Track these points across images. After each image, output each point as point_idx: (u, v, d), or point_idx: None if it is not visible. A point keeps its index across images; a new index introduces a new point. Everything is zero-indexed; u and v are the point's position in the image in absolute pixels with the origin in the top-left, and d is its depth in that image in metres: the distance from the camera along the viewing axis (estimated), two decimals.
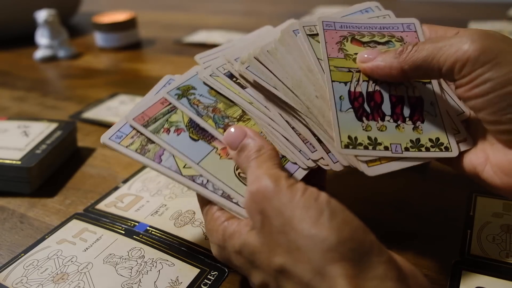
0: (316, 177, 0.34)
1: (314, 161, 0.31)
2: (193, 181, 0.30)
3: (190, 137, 0.32)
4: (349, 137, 0.30)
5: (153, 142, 0.31)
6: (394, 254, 0.24)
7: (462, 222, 0.37)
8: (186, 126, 0.32)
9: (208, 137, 0.32)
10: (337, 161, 0.31)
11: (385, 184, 0.43)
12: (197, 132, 0.32)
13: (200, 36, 0.96)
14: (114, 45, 0.92)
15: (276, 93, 0.32)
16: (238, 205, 0.29)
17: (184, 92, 0.34)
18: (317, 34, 0.34)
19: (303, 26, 0.34)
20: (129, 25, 0.93)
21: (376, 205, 0.40)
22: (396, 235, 0.36)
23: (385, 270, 0.22)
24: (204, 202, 0.30)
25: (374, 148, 0.30)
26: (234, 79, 0.34)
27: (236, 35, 0.93)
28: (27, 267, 0.34)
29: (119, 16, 0.93)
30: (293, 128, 0.32)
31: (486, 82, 0.27)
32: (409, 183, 0.43)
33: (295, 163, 0.31)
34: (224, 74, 0.35)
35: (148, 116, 0.33)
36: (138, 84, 0.74)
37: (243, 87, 0.34)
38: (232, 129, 0.30)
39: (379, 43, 0.34)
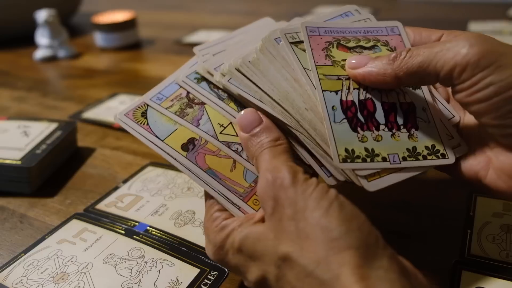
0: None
1: None
2: (229, 147, 0.31)
3: None
4: (346, 150, 0.29)
5: (192, 107, 0.32)
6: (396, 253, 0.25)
7: (462, 222, 0.37)
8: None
9: None
10: (331, 175, 0.30)
11: None
12: None
13: (200, 36, 0.96)
14: (114, 45, 0.92)
15: (263, 106, 0.30)
16: None
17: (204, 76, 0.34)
18: (300, 42, 0.32)
19: (285, 34, 0.32)
20: (129, 25, 0.93)
21: (376, 205, 0.40)
22: (396, 235, 0.36)
23: (389, 263, 0.23)
24: (209, 196, 0.30)
25: (372, 160, 0.29)
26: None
27: None
28: (27, 267, 0.34)
29: (119, 16, 0.93)
30: None
31: (488, 86, 0.26)
32: (409, 183, 0.42)
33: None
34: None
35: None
36: (138, 84, 0.74)
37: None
38: (248, 112, 0.30)
39: (365, 48, 0.33)
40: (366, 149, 0.29)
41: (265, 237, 0.25)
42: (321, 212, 0.24)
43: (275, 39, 0.32)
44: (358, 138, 0.29)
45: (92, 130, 0.57)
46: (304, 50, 0.32)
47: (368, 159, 0.29)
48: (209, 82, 0.33)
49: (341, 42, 0.33)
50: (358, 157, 0.29)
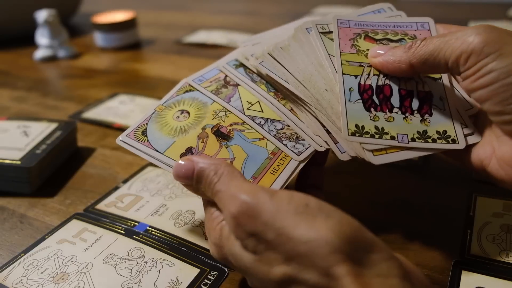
0: (313, 176, 0.34)
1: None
2: (253, 120, 0.34)
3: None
4: (356, 126, 0.31)
5: (226, 87, 0.36)
6: (394, 252, 0.24)
7: (462, 222, 0.37)
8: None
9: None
10: (345, 151, 0.31)
11: (385, 184, 0.43)
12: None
13: (200, 36, 0.96)
14: (114, 45, 0.92)
15: (287, 86, 0.33)
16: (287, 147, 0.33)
17: (241, 63, 0.38)
18: (329, 32, 0.35)
19: (316, 24, 0.35)
20: (129, 25, 0.93)
21: (376, 205, 0.40)
22: (396, 235, 0.36)
23: (389, 267, 0.22)
24: (206, 201, 0.30)
25: (380, 137, 0.30)
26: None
27: (236, 35, 0.93)
28: (27, 267, 0.34)
29: (119, 16, 0.93)
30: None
31: (490, 72, 0.27)
32: (409, 183, 0.43)
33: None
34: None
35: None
36: (138, 84, 0.73)
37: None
38: (182, 162, 0.29)
39: (392, 41, 0.34)
40: (376, 127, 0.31)
41: (253, 267, 0.25)
42: (306, 227, 0.23)
43: (306, 28, 0.36)
44: (370, 117, 0.31)
45: (92, 130, 0.57)
46: (332, 40, 0.35)
47: (377, 136, 0.30)
48: (245, 68, 0.37)
49: (369, 34, 0.35)
50: (367, 133, 0.31)
